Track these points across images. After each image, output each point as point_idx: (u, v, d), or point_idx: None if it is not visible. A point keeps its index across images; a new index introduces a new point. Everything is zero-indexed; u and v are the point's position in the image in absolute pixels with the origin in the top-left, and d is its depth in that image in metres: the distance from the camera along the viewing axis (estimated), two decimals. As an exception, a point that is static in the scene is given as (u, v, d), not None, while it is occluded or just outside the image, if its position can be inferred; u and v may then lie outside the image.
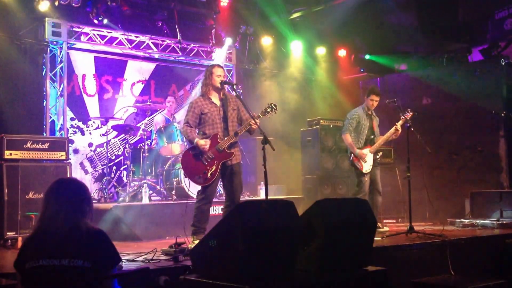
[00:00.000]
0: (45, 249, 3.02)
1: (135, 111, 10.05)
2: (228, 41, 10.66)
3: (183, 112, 10.19)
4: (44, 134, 8.61)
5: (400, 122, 7.44)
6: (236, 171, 6.10)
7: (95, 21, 9.11)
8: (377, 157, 7.71)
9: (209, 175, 5.93)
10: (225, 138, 6.01)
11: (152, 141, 9.04)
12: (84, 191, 3.27)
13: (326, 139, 9.97)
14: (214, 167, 5.95)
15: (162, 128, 8.62)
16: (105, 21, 9.16)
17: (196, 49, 10.58)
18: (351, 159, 7.67)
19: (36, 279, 3.02)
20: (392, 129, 7.49)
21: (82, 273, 3.02)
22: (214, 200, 6.49)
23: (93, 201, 8.27)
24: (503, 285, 5.59)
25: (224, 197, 6.29)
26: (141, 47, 9.95)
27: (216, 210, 7.54)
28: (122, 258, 5.09)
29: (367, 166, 7.58)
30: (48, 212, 3.13)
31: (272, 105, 6.13)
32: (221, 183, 6.34)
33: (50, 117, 8.87)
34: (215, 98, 6.14)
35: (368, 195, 7.63)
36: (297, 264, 3.96)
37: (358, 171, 7.63)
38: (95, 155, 9.66)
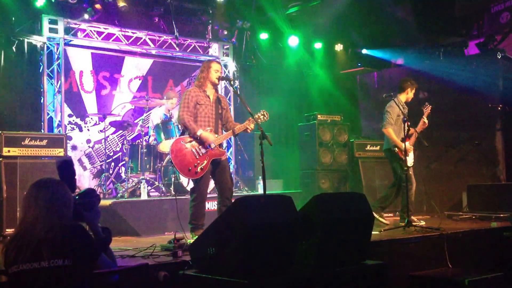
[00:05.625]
0: (24, 253, 3.02)
1: (133, 107, 10.05)
2: (225, 36, 10.66)
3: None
4: (42, 131, 8.61)
5: (425, 115, 7.50)
6: (225, 166, 6.17)
7: (87, 16, 9.09)
8: (416, 151, 7.64)
9: (199, 169, 5.93)
10: (217, 136, 6.05)
11: (150, 137, 9.04)
12: (63, 194, 3.25)
13: (324, 134, 9.97)
14: (205, 162, 5.95)
15: (160, 124, 8.63)
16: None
17: (193, 45, 10.57)
18: (395, 152, 7.44)
19: (21, 284, 3.03)
20: (421, 123, 7.49)
21: (65, 272, 3.03)
22: (210, 195, 6.50)
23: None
24: (500, 278, 5.63)
25: (217, 193, 6.30)
26: (138, 43, 9.95)
27: (214, 205, 7.56)
28: (121, 254, 5.13)
29: (410, 160, 7.43)
30: (28, 218, 3.13)
31: (264, 112, 6.29)
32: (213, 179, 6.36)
33: (48, 114, 8.86)
34: (210, 92, 6.17)
35: (391, 188, 7.65)
36: (295, 258, 3.98)
37: (402, 165, 7.33)
38: (93, 151, 9.67)
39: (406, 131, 7.19)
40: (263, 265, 3.73)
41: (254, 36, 11.40)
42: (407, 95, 7.70)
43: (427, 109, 7.54)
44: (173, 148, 6.06)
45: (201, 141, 5.96)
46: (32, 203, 3.15)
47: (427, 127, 7.55)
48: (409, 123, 7.44)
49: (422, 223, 7.17)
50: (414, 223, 6.94)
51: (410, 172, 7.50)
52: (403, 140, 7.34)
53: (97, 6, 9.01)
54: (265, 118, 6.27)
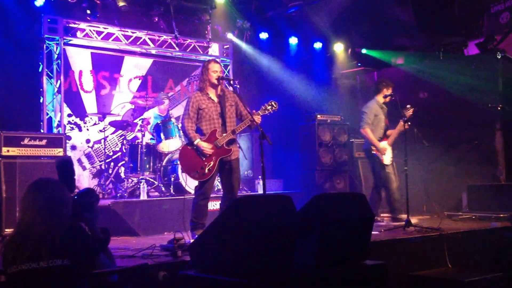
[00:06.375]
0: (23, 254, 3.01)
1: (132, 107, 10.04)
2: (225, 36, 10.65)
3: (180, 108, 10.20)
4: (41, 131, 8.61)
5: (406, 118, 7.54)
6: (234, 167, 6.12)
7: (88, 18, 9.11)
8: (394, 151, 7.74)
9: (206, 170, 5.93)
10: (224, 135, 6.01)
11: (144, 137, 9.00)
12: (61, 193, 3.24)
13: (324, 134, 9.97)
14: (212, 163, 5.95)
15: (160, 124, 8.62)
16: (101, 17, 9.12)
17: (192, 45, 10.57)
18: (372, 152, 7.64)
19: (20, 284, 3.02)
20: (400, 124, 7.52)
21: (64, 272, 3.02)
22: (212, 195, 6.50)
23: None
24: (500, 278, 5.63)
25: (222, 193, 6.31)
26: (138, 43, 9.95)
27: (214, 205, 7.55)
28: (121, 254, 5.13)
29: (388, 158, 7.60)
30: (26, 218, 3.12)
31: (272, 103, 6.16)
32: (219, 178, 6.35)
33: (47, 114, 8.87)
34: (212, 93, 6.13)
35: (373, 189, 7.69)
36: (295, 258, 3.97)
37: (380, 165, 7.60)
38: (93, 151, 9.66)
39: (400, 131, 7.29)
40: (263, 265, 3.72)
41: (254, 36, 11.38)
42: (385, 95, 7.83)
43: (409, 112, 7.55)
44: (180, 154, 6.18)
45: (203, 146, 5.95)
46: (30, 204, 3.14)
47: (413, 128, 7.56)
48: (388, 123, 7.58)
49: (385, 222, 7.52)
50: (397, 222, 7.18)
51: (389, 171, 7.64)
52: (382, 140, 7.62)
53: (88, 12, 9.04)
54: (273, 108, 6.16)
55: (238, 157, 6.25)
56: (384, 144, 7.63)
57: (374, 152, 7.63)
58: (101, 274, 3.30)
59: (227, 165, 6.08)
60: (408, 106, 7.57)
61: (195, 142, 5.92)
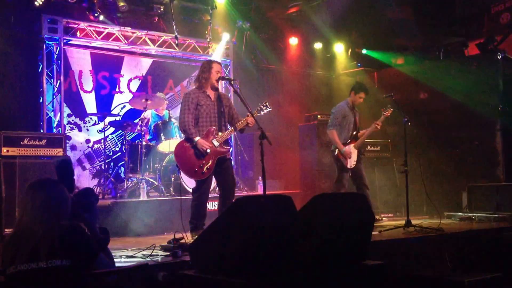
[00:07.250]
0: (22, 254, 3.01)
1: (132, 107, 10.03)
2: (225, 36, 10.64)
3: (179, 108, 10.19)
4: (41, 131, 8.60)
5: (381, 119, 7.63)
6: (229, 166, 6.16)
7: (91, 17, 9.12)
8: (361, 153, 7.79)
9: (205, 169, 5.91)
10: (220, 134, 6.02)
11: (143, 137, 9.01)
12: (59, 193, 3.24)
13: (324, 134, 9.95)
14: (210, 162, 5.94)
15: (160, 125, 8.61)
16: (101, 17, 9.17)
17: (193, 45, 10.55)
18: (335, 154, 7.69)
19: (19, 284, 3.01)
20: (373, 126, 7.64)
21: (64, 272, 3.01)
22: (211, 195, 6.48)
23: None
24: (500, 278, 5.62)
25: (219, 193, 6.30)
26: (138, 43, 9.93)
27: (215, 205, 7.55)
28: (121, 254, 5.12)
29: (351, 162, 7.65)
30: (25, 218, 3.12)
31: (266, 103, 6.22)
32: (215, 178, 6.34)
33: (47, 114, 8.86)
34: (210, 92, 6.15)
35: (356, 191, 7.70)
36: (295, 258, 3.97)
37: (341, 167, 7.68)
38: (93, 151, 9.66)
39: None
40: (263, 265, 3.72)
41: (254, 36, 11.37)
42: (353, 98, 7.88)
43: (386, 113, 7.57)
44: (176, 151, 6.06)
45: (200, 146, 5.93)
46: (29, 204, 3.13)
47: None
48: (359, 125, 7.67)
49: (386, 222, 7.66)
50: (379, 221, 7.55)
51: (347, 175, 7.70)
52: (349, 143, 7.68)
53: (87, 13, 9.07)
54: (267, 109, 6.21)
55: (230, 157, 6.31)
56: (349, 148, 7.65)
57: (337, 155, 7.66)
58: (101, 274, 3.30)
59: (223, 165, 6.08)
60: (389, 106, 7.61)
61: (196, 140, 5.90)
